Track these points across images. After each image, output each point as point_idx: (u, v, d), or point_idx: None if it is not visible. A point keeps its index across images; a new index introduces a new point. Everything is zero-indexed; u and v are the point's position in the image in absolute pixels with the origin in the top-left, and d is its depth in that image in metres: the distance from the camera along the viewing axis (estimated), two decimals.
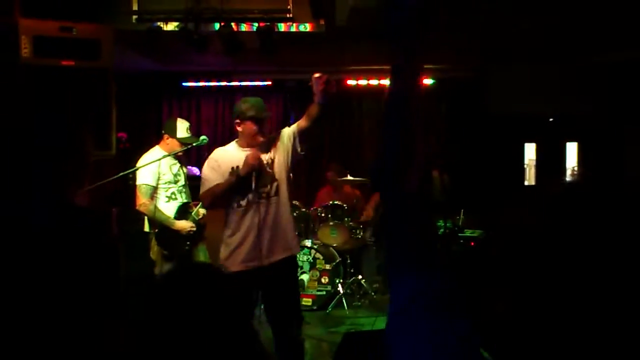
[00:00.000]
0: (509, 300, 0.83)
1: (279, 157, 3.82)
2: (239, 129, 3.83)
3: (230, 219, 3.81)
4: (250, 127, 3.76)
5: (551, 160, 8.33)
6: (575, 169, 8.33)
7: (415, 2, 1.09)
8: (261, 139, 3.78)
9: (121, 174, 4.51)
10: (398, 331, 0.95)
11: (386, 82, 7.94)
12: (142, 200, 4.85)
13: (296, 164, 3.96)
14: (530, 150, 8.47)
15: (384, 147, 1.07)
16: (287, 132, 3.87)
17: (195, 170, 7.49)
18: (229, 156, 3.80)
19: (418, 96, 1.04)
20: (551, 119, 8.12)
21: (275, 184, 3.77)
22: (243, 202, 3.73)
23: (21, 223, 1.73)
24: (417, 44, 1.11)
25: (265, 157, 3.78)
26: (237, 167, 3.68)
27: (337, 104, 8.44)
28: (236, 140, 3.93)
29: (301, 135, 3.82)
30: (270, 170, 3.78)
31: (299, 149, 3.85)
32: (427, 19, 1.09)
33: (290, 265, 3.98)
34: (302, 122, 3.81)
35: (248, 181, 3.67)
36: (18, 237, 1.69)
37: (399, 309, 0.97)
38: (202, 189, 3.82)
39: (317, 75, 3.55)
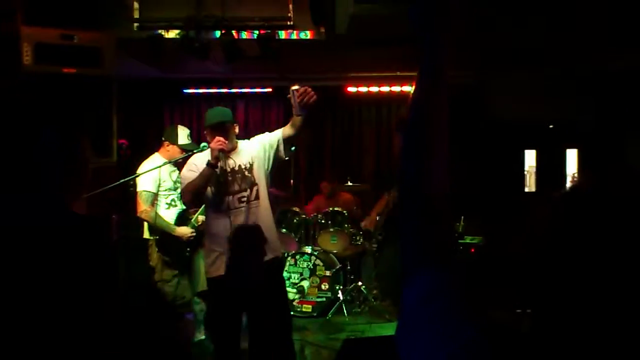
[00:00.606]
0: (512, 305, 0.84)
1: (258, 162, 3.89)
2: (207, 138, 3.92)
3: (211, 225, 3.90)
4: (210, 134, 3.85)
5: (551, 166, 8.34)
6: (576, 175, 8.35)
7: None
8: (227, 142, 3.79)
9: (121, 180, 4.52)
10: (414, 328, 0.95)
11: (385, 89, 8.01)
12: (143, 207, 4.86)
13: (276, 168, 4.02)
14: (530, 157, 8.47)
15: (408, 149, 1.08)
16: (269, 138, 3.94)
17: None
18: (205, 158, 3.84)
19: (443, 97, 1.05)
20: (551, 126, 8.13)
21: (255, 188, 3.84)
22: (223, 207, 3.80)
23: (18, 230, 1.74)
24: (441, 42, 1.12)
25: (243, 162, 3.87)
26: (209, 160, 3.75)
27: (338, 111, 8.47)
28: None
29: (286, 142, 3.90)
30: (249, 175, 3.85)
31: (284, 155, 3.94)
32: (447, 17, 1.10)
33: (275, 267, 4.03)
34: (286, 130, 3.89)
35: (223, 175, 3.78)
36: (15, 245, 1.70)
37: (415, 307, 0.97)
38: (182, 187, 3.93)
39: (294, 87, 3.62)
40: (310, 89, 3.62)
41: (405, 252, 1.04)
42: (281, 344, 3.93)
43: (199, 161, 3.86)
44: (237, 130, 3.97)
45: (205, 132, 3.96)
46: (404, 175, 1.06)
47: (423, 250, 1.01)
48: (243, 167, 3.85)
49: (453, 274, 0.98)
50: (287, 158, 3.96)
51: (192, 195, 3.81)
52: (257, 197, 3.84)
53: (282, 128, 3.92)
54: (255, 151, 3.90)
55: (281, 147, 3.89)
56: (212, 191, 3.82)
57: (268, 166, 3.92)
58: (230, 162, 3.86)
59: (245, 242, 3.75)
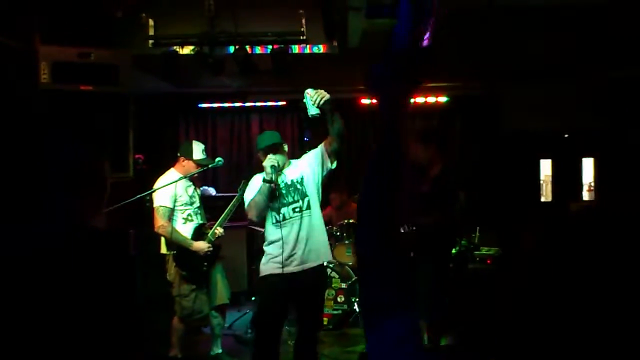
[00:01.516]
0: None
1: (307, 176, 4.23)
2: (261, 159, 4.28)
3: (268, 233, 4.26)
4: (263, 155, 4.23)
5: (567, 176, 8.30)
6: (592, 184, 8.30)
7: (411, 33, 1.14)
8: (278, 159, 4.17)
9: (138, 196, 4.56)
10: None
11: None
12: (160, 222, 4.89)
13: (326, 179, 4.36)
14: (546, 167, 8.43)
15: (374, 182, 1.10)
16: (314, 153, 4.31)
17: (211, 190, 7.56)
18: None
19: (402, 146, 1.06)
20: (566, 135, 8.10)
21: (306, 199, 4.19)
22: (279, 217, 4.16)
23: (39, 246, 1.77)
24: (411, 69, 1.15)
25: (295, 176, 4.23)
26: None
27: (351, 122, 8.49)
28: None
29: (329, 153, 4.24)
30: (300, 187, 4.21)
31: (330, 165, 4.27)
32: (423, 50, 1.13)
33: (320, 272, 4.34)
34: (326, 143, 4.25)
35: (278, 189, 4.15)
36: (36, 260, 1.73)
37: (388, 350, 0.98)
38: (246, 207, 4.28)
39: (308, 90, 4.01)
40: (322, 90, 3.97)
41: (370, 296, 1.05)
42: (308, 346, 4.31)
43: (257, 181, 4.24)
44: (286, 148, 4.36)
45: (258, 154, 4.35)
46: (370, 203, 1.08)
47: (392, 295, 1.02)
48: (295, 181, 4.22)
49: (414, 319, 1.00)
50: (333, 167, 4.28)
51: (255, 210, 4.17)
52: (308, 207, 4.19)
53: (324, 142, 4.26)
54: (304, 167, 4.28)
55: (325, 158, 4.24)
56: (271, 204, 4.17)
57: (317, 179, 4.27)
58: (284, 177, 4.22)
59: (297, 247, 4.12)
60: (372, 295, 1.06)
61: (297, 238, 4.14)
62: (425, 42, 1.18)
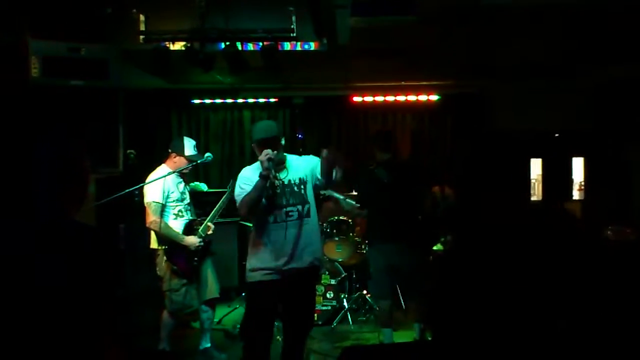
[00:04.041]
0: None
1: (308, 181, 4.04)
2: (256, 152, 4.01)
3: (260, 234, 4.02)
4: (258, 148, 3.95)
5: (557, 175, 8.34)
6: (582, 184, 8.35)
7: None
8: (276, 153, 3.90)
9: (127, 190, 4.58)
10: None
11: (390, 98, 8.06)
12: (152, 218, 4.92)
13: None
14: (536, 166, 8.48)
15: None
16: (316, 165, 4.03)
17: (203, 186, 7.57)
18: (255, 172, 3.97)
19: None
20: (557, 135, 8.14)
21: (307, 205, 4.00)
22: (271, 219, 3.95)
23: (22, 239, 1.79)
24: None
25: (294, 177, 4.02)
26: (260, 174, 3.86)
27: (343, 120, 8.52)
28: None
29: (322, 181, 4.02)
30: (298, 191, 4.00)
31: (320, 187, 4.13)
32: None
33: (314, 276, 4.25)
34: (324, 183, 4.02)
35: (272, 187, 3.91)
36: (19, 254, 1.75)
37: None
38: (238, 203, 4.01)
39: (324, 153, 3.83)
40: (339, 156, 3.85)
41: None
42: (294, 347, 4.15)
43: (250, 174, 3.99)
44: (283, 142, 4.08)
45: (253, 145, 4.08)
46: None
47: None
48: (293, 182, 4.00)
49: None
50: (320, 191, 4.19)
51: (248, 207, 3.91)
52: (308, 215, 4.00)
53: (323, 179, 4.00)
54: (307, 169, 4.06)
55: (316, 182, 4.04)
56: (264, 203, 3.93)
57: (312, 187, 4.07)
58: (281, 176, 3.98)
59: (293, 253, 3.93)
60: None
61: (293, 244, 3.94)
62: None
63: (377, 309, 6.19)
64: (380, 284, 5.49)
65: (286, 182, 3.99)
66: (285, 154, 4.11)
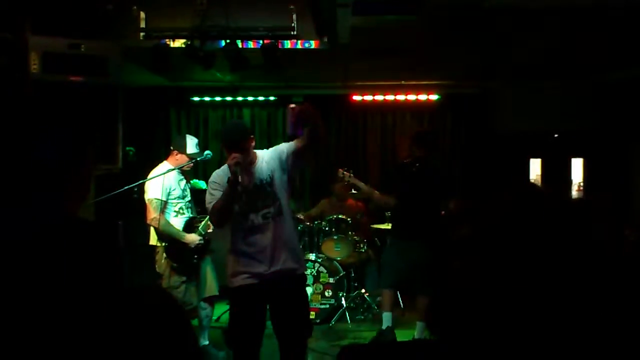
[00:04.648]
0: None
1: (277, 175, 3.82)
2: (225, 154, 3.79)
3: (236, 242, 3.85)
4: (226, 150, 3.73)
5: (557, 176, 8.35)
6: (581, 184, 8.36)
7: None
8: (243, 157, 3.68)
9: (127, 187, 4.58)
10: None
11: (390, 97, 8.06)
12: (153, 215, 4.93)
13: (295, 177, 4.00)
14: (535, 166, 8.48)
15: None
16: (285, 148, 3.85)
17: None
18: (224, 176, 3.77)
19: None
20: (556, 135, 8.15)
21: (277, 203, 3.78)
22: (248, 224, 3.77)
23: (23, 236, 1.79)
24: None
25: (263, 176, 3.79)
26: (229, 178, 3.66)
27: (343, 119, 8.52)
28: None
29: (295, 155, 3.82)
30: (269, 189, 3.78)
31: (295, 167, 3.90)
32: None
33: (298, 280, 4.02)
34: (297, 144, 3.82)
35: (246, 192, 3.71)
36: (19, 250, 1.74)
37: None
38: (209, 211, 3.86)
39: (291, 105, 3.68)
40: (306, 109, 3.63)
41: None
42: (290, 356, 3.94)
43: (219, 179, 3.80)
44: (253, 143, 3.84)
45: (221, 148, 3.93)
46: None
47: None
48: (264, 181, 3.78)
49: None
50: (301, 169, 3.92)
51: (219, 215, 3.75)
52: (280, 213, 3.78)
53: (295, 141, 3.83)
54: (274, 163, 3.82)
55: (290, 160, 3.81)
56: (236, 209, 3.75)
57: (286, 179, 3.85)
58: (251, 178, 3.77)
59: (269, 258, 3.74)
60: None
61: (270, 247, 3.74)
62: None
63: (378, 299, 6.34)
64: (390, 276, 5.71)
65: (258, 183, 3.78)
66: (257, 151, 3.89)
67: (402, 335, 5.80)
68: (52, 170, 1.88)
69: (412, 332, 5.68)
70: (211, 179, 3.90)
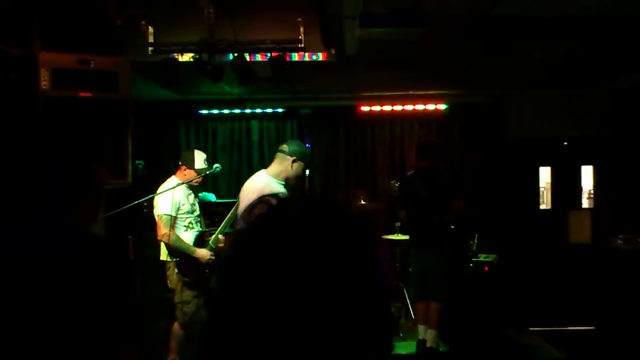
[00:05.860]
0: None
1: None
2: (294, 165, 4.29)
3: None
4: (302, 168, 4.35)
5: (567, 183, 8.30)
6: (591, 192, 8.30)
7: None
8: None
9: (136, 202, 4.59)
10: None
11: (398, 107, 8.05)
12: (164, 231, 4.93)
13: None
14: (545, 174, 8.43)
15: None
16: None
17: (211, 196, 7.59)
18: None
19: None
20: (566, 143, 8.11)
21: None
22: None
23: (35, 251, 1.79)
24: None
25: None
26: None
27: (351, 130, 8.51)
28: (275, 172, 4.34)
29: None
30: None
31: None
32: None
33: None
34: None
35: None
36: (31, 265, 1.75)
37: None
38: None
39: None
40: None
41: None
42: None
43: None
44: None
45: (294, 158, 4.34)
46: None
47: None
48: None
49: None
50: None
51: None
52: None
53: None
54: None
55: None
56: None
57: None
58: None
59: None
60: None
61: None
62: None
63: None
64: (415, 286, 5.96)
65: None
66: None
67: (411, 346, 5.79)
68: (63, 186, 1.89)
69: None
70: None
